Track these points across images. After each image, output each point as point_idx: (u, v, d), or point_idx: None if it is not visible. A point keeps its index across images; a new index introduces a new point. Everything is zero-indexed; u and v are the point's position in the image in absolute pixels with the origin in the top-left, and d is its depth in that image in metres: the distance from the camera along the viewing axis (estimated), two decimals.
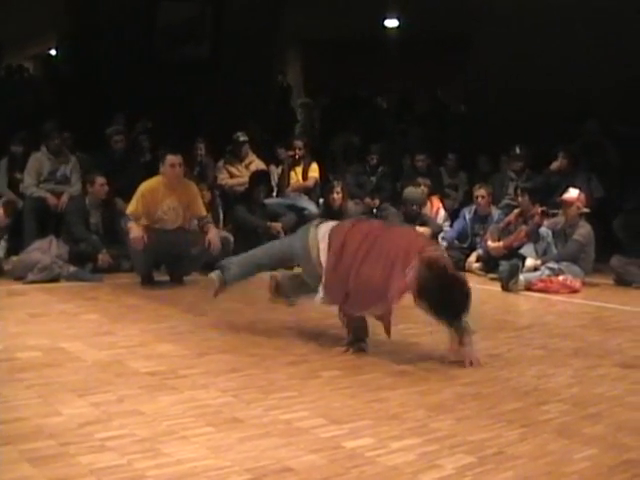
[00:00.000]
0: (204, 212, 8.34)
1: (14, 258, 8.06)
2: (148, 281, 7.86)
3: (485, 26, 14.62)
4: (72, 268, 7.97)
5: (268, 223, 9.66)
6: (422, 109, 17.30)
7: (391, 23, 18.27)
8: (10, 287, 7.39)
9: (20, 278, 7.76)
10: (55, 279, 7.80)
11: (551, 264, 8.79)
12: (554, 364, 5.12)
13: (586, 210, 9.09)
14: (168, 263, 8.24)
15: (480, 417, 3.87)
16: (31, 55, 21.69)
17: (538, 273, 8.71)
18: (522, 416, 3.91)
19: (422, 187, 10.70)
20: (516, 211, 9.77)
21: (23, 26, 19.87)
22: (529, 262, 8.91)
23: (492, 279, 9.15)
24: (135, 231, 7.72)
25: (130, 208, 7.96)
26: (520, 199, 9.82)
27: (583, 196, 9.13)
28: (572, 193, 9.15)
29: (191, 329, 5.74)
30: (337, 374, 4.56)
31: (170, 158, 7.99)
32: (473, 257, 9.81)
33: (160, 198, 7.98)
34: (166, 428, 3.48)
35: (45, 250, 7.96)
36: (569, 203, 9.09)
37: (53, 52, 20.62)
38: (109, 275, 8.26)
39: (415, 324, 6.15)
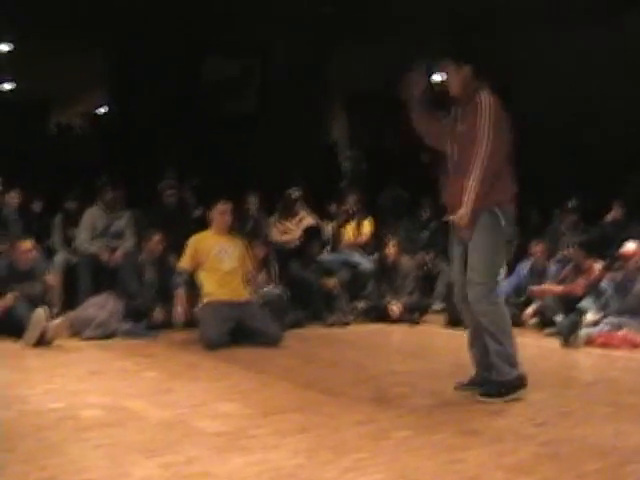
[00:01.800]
0: (253, 270, 8.32)
1: (69, 314, 8.02)
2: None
3: (529, 76, 14.56)
4: (128, 324, 7.92)
5: (323, 279, 9.59)
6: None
7: (437, 77, 18.26)
8: (66, 343, 7.34)
9: (76, 334, 7.72)
10: (111, 335, 7.75)
11: (611, 318, 8.60)
12: (629, 421, 4.96)
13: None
14: (234, 332, 7.82)
15: (562, 479, 3.73)
16: (80, 112, 21.96)
17: (599, 328, 8.52)
18: (607, 477, 3.77)
19: None
20: (571, 265, 9.61)
21: (72, 84, 20.16)
22: (589, 316, 8.71)
23: (549, 334, 8.96)
24: (178, 304, 7.91)
25: (180, 263, 8.05)
26: (574, 253, 9.65)
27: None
28: (630, 246, 8.98)
29: (253, 387, 5.64)
30: (408, 434, 4.42)
31: (220, 206, 8.03)
32: (530, 310, 9.62)
33: (210, 244, 7.96)
34: None
35: (101, 306, 7.92)
36: (627, 257, 8.93)
37: (102, 110, 20.90)
38: (164, 331, 8.18)
39: None
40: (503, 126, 5.28)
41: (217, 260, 7.90)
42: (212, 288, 7.82)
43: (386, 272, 10.12)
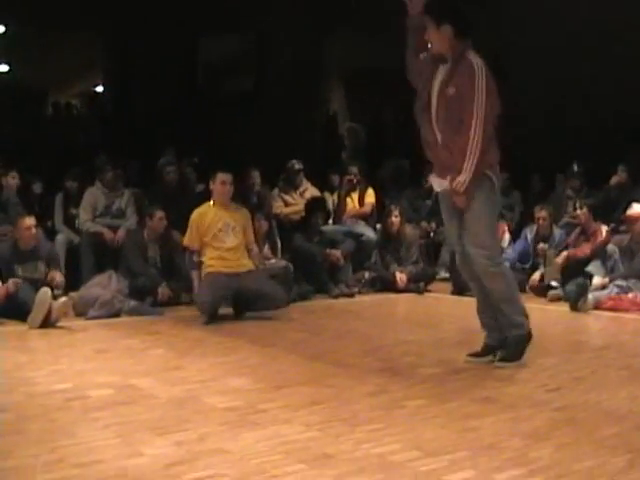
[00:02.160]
0: (253, 243, 8.07)
1: (73, 294, 7.96)
2: (212, 320, 7.48)
3: (527, 40, 14.44)
4: (132, 302, 7.86)
5: (327, 250, 9.51)
6: None
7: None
8: (71, 323, 7.27)
9: (80, 314, 7.66)
10: (116, 314, 7.69)
11: (619, 282, 8.55)
12: None
13: None
14: (237, 301, 7.83)
15: (580, 444, 3.67)
16: (78, 92, 21.88)
17: (607, 291, 8.47)
18: (624, 441, 3.71)
19: None
20: (577, 230, 9.54)
21: (69, 64, 20.06)
22: (596, 280, 8.68)
23: (553, 299, 8.92)
24: (197, 285, 7.78)
25: (185, 240, 7.89)
26: (581, 215, 9.57)
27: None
28: (636, 208, 8.91)
29: (261, 361, 5.59)
30: (422, 403, 4.37)
31: (220, 175, 7.79)
32: (537, 275, 9.54)
33: (212, 218, 7.73)
34: (255, 467, 3.32)
35: (105, 285, 7.86)
36: (633, 219, 8.86)
37: (99, 89, 20.81)
38: (169, 308, 8.13)
39: None
40: (494, 89, 5.15)
41: (220, 237, 7.72)
42: (213, 261, 7.68)
43: (390, 241, 10.06)
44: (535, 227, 9.94)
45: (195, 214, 7.84)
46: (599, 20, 13.10)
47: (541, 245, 9.65)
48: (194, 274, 7.84)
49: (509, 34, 14.48)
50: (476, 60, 5.14)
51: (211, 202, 7.89)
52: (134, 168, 11.91)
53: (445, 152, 5.22)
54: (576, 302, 8.23)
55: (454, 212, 5.37)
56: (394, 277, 9.70)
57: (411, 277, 9.79)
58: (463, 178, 5.11)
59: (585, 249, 9.16)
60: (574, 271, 8.99)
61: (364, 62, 18.38)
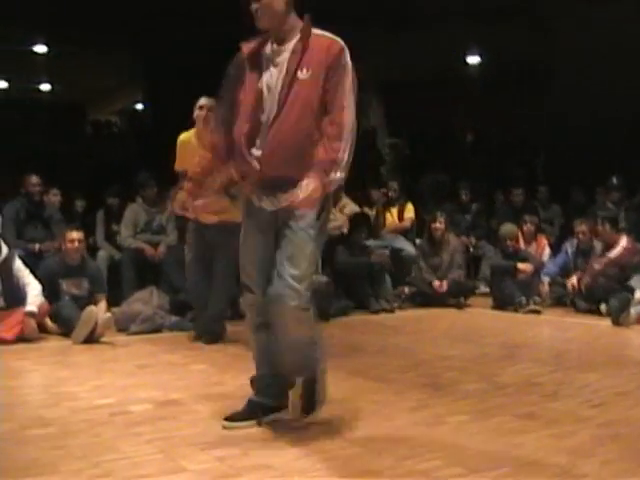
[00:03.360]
0: None
1: (115, 310, 8.03)
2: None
3: (568, 56, 14.41)
4: (174, 318, 7.90)
5: (377, 252, 9.60)
6: (505, 142, 17.08)
7: (473, 60, 18.13)
8: (113, 339, 7.33)
9: (122, 330, 7.71)
10: (157, 329, 7.73)
11: None
12: None
13: None
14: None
15: (624, 460, 3.64)
16: (117, 110, 22.08)
17: None
18: None
19: (530, 225, 10.50)
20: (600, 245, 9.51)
21: (109, 82, 20.27)
22: (638, 294, 8.59)
23: (588, 311, 8.91)
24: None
25: (176, 165, 7.22)
26: (601, 229, 9.53)
27: None
28: None
29: None
30: (463, 419, 4.34)
31: (201, 101, 7.10)
32: (574, 279, 9.45)
33: (191, 152, 6.39)
34: None
35: (146, 301, 7.91)
36: None
37: (139, 106, 20.98)
38: None
39: (533, 364, 5.96)
40: None
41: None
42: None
43: (433, 248, 10.01)
44: (575, 241, 9.88)
45: (178, 140, 7.42)
46: None
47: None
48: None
49: (557, 46, 14.47)
50: (344, 47, 4.08)
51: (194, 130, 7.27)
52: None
53: (284, 154, 3.98)
54: (618, 316, 8.16)
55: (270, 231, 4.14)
56: (433, 287, 9.70)
57: (452, 285, 9.77)
58: (315, 185, 3.89)
59: (599, 262, 9.12)
60: (608, 287, 8.92)
61: (403, 75, 18.41)
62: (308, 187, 3.86)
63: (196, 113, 7.10)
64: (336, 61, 3.97)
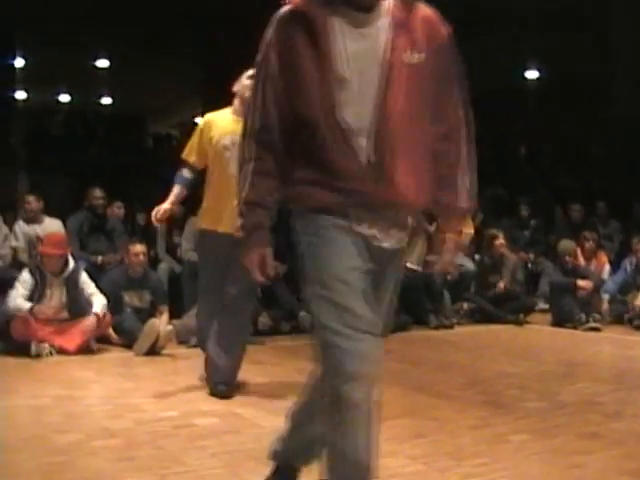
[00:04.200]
0: None
1: (176, 322, 8.12)
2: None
3: (626, 69, 14.30)
4: None
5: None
6: (561, 157, 16.97)
7: (532, 74, 18.09)
8: (174, 351, 7.42)
9: (183, 342, 7.80)
10: None
11: None
12: None
13: None
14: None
15: None
16: (177, 123, 22.32)
17: None
18: None
19: (591, 242, 10.44)
20: None
21: (169, 95, 20.51)
22: None
23: None
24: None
25: (183, 152, 5.72)
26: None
27: None
28: None
29: None
30: (526, 438, 4.34)
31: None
32: (638, 301, 9.37)
33: (223, 127, 5.50)
34: None
35: None
36: None
37: (198, 119, 21.17)
38: (270, 337, 8.23)
39: (595, 382, 5.92)
40: None
41: (222, 156, 5.43)
42: (209, 201, 5.62)
43: (492, 265, 9.99)
44: (634, 259, 9.79)
45: (205, 118, 5.84)
46: None
47: None
48: (173, 190, 5.80)
49: (615, 60, 14.37)
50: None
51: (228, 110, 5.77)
52: None
53: (415, 172, 2.72)
54: None
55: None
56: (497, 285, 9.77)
57: (511, 290, 9.79)
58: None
59: None
60: None
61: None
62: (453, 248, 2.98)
63: (244, 82, 5.44)
64: (449, 44, 2.80)
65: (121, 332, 7.68)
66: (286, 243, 8.16)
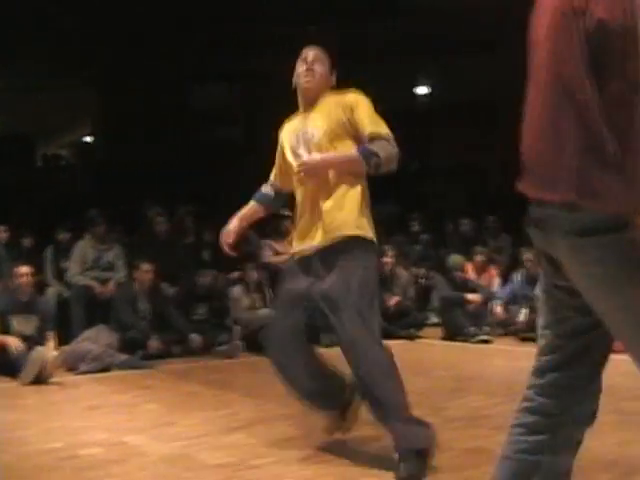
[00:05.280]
0: (372, 127, 4.26)
1: (64, 348, 7.96)
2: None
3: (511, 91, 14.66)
4: (123, 356, 7.85)
5: None
6: (456, 173, 17.24)
7: (422, 90, 18.38)
8: (62, 379, 7.26)
9: (71, 369, 7.65)
10: (107, 368, 7.67)
11: None
12: (633, 430, 4.93)
13: None
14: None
15: None
16: (67, 143, 21.95)
17: None
18: None
19: (481, 256, 10.61)
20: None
21: (57, 115, 20.15)
22: None
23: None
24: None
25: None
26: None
27: None
28: None
29: (254, 415, 5.58)
30: None
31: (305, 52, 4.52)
32: (522, 316, 9.56)
33: (290, 130, 4.58)
34: None
35: (95, 339, 7.87)
36: None
37: (88, 139, 20.88)
38: (160, 361, 8.12)
39: (483, 396, 6.01)
40: None
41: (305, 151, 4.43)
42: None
43: (383, 282, 10.06)
44: (524, 270, 10.01)
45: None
46: None
47: None
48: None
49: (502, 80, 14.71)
50: None
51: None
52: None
53: None
54: None
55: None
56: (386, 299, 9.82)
57: (402, 305, 9.87)
58: None
59: None
60: None
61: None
62: None
63: (297, 70, 4.51)
64: None
65: (6, 361, 7.45)
66: (177, 264, 8.11)
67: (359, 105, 4.32)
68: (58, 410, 5.94)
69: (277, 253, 10.53)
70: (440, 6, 12.46)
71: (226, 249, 4.72)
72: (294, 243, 4.54)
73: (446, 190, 15.97)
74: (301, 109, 4.54)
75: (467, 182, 16.21)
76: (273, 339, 4.51)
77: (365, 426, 5.07)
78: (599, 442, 4.58)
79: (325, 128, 4.28)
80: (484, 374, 7.42)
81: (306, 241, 4.32)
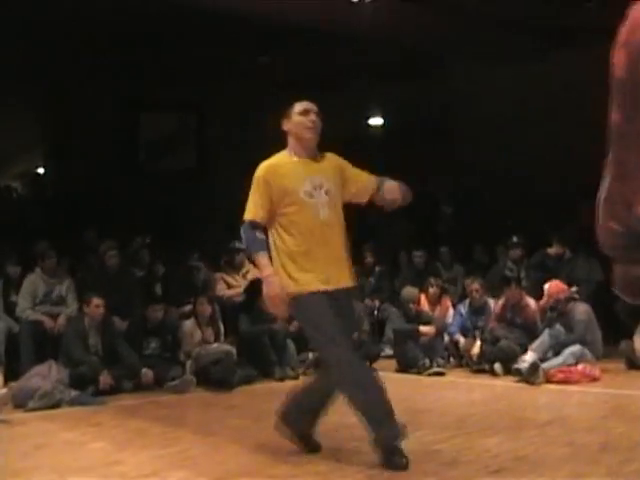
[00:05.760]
0: (372, 176, 5.31)
1: (12, 384, 7.81)
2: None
3: (468, 119, 14.81)
4: (73, 392, 7.72)
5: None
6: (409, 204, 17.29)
7: (375, 121, 18.42)
8: (10, 416, 7.11)
9: (20, 406, 7.50)
10: (56, 405, 7.54)
11: (571, 349, 8.61)
12: (585, 462, 4.95)
13: (572, 294, 9.32)
14: None
15: None
16: (18, 174, 21.70)
17: (560, 360, 8.53)
18: None
19: (435, 287, 10.64)
20: (501, 302, 9.66)
21: (8, 145, 19.95)
22: (529, 357, 8.67)
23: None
24: (270, 282, 4.87)
25: (248, 213, 5.01)
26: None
27: (553, 286, 9.22)
28: (548, 286, 9.25)
29: (203, 452, 5.51)
30: None
31: (300, 105, 5.15)
32: (475, 349, 9.57)
33: (295, 173, 5.04)
34: None
35: (45, 375, 7.74)
36: (546, 304, 9.22)
37: (40, 170, 20.67)
38: (111, 397, 8.00)
39: (435, 429, 5.99)
40: None
41: (308, 205, 4.97)
42: (302, 261, 4.96)
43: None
44: (468, 300, 10.07)
45: (263, 170, 5.09)
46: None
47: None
48: (259, 258, 4.99)
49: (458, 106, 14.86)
50: None
51: (284, 153, 5.22)
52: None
53: None
54: (530, 379, 8.25)
55: None
56: None
57: (356, 337, 9.84)
58: None
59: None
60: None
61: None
62: None
63: (297, 119, 5.09)
64: None
65: None
66: (128, 298, 8.02)
67: (347, 165, 5.25)
68: (3, 449, 5.81)
69: (229, 286, 10.50)
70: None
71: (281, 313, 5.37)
72: (306, 276, 4.90)
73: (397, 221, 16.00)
74: (297, 156, 5.07)
75: (419, 212, 16.26)
76: None
77: (316, 465, 5.04)
78: (551, 475, 4.61)
79: (332, 177, 5.06)
80: (436, 407, 7.39)
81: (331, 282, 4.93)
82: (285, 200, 4.94)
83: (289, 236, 4.95)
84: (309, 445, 5.29)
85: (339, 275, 5.01)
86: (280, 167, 5.05)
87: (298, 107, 5.10)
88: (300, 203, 4.91)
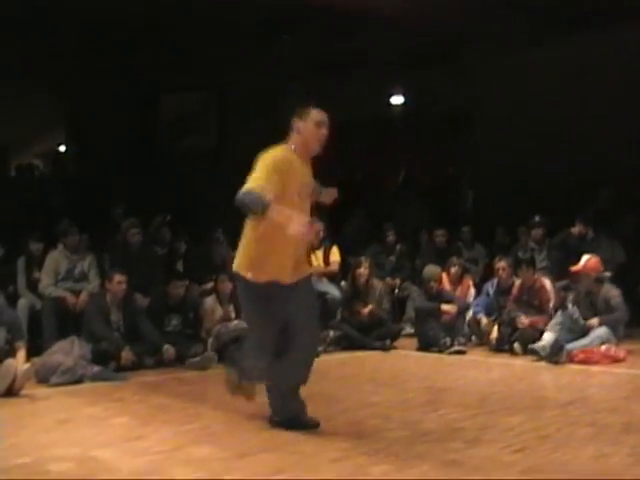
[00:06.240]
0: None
1: (35, 360, 7.83)
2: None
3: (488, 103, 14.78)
4: (95, 368, 7.74)
5: None
6: (430, 183, 17.21)
7: (397, 100, 18.32)
8: (33, 391, 7.14)
9: (43, 381, 7.53)
10: (79, 380, 7.57)
11: (598, 332, 8.58)
12: (608, 442, 4.93)
13: (604, 274, 9.19)
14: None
15: None
16: (40, 153, 21.78)
17: (586, 341, 8.48)
18: None
19: (456, 267, 10.63)
20: (517, 283, 9.62)
21: (31, 124, 20.02)
22: (547, 336, 8.63)
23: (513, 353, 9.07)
24: (292, 220, 4.72)
25: (253, 182, 4.91)
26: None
27: (593, 261, 9.03)
28: (580, 262, 9.07)
29: (225, 428, 5.51)
30: (387, 469, 4.33)
31: (318, 114, 5.29)
32: (494, 334, 9.53)
33: (300, 174, 5.24)
34: None
35: (67, 351, 7.74)
36: (578, 273, 9.10)
37: (62, 148, 20.75)
38: (133, 373, 8.02)
39: (457, 408, 5.98)
40: None
41: (295, 205, 5.06)
42: (271, 249, 5.18)
43: (358, 293, 10.04)
44: (496, 280, 10.01)
45: (276, 157, 5.14)
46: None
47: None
48: (273, 208, 4.78)
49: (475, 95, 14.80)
50: None
51: (287, 146, 5.30)
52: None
53: None
54: (553, 359, 8.23)
55: None
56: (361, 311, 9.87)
57: (377, 316, 9.86)
58: None
59: (541, 321, 9.19)
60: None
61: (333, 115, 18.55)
62: None
63: (312, 129, 5.22)
64: None
65: None
66: (150, 275, 8.02)
67: None
68: (28, 424, 5.83)
69: None
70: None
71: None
72: (270, 267, 5.18)
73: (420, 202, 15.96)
74: (298, 156, 5.23)
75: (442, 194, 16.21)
76: None
77: (338, 441, 5.04)
78: (575, 454, 4.60)
79: (311, 183, 5.40)
80: (457, 386, 7.38)
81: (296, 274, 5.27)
82: (284, 196, 4.96)
83: (268, 228, 5.00)
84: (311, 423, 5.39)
85: (300, 270, 5.37)
86: (292, 163, 5.16)
87: (315, 116, 5.25)
88: (291, 204, 4.97)
